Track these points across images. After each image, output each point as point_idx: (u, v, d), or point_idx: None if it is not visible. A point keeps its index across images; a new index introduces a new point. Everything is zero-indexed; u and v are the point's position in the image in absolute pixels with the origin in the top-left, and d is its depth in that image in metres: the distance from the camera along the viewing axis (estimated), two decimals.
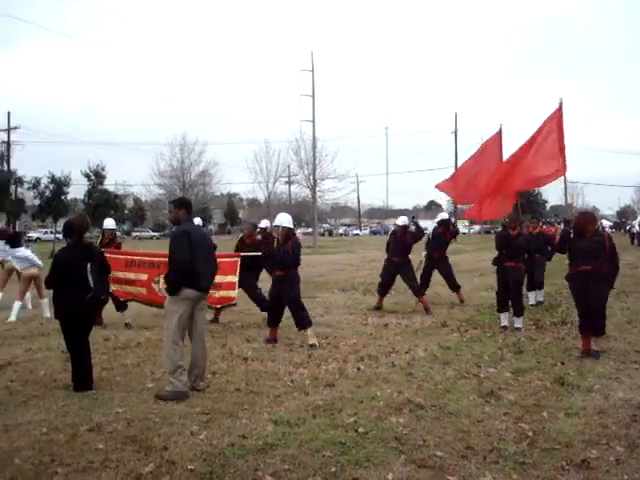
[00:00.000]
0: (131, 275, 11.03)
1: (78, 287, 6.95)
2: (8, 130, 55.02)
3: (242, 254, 11.45)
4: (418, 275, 13.63)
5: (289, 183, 66.27)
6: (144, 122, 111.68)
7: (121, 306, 11.17)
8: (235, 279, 11.02)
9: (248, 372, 7.82)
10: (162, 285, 10.96)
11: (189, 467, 4.83)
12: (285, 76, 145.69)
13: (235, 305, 11.33)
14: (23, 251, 12.57)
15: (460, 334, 10.25)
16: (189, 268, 6.73)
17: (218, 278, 9.94)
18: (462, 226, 78.07)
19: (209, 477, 4.68)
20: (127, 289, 11.01)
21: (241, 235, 13.14)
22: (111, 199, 61.02)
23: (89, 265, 7.05)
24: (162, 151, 66.10)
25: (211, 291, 10.35)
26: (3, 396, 6.86)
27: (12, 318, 11.94)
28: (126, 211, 71.48)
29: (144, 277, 11.12)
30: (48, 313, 12.02)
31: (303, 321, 9.54)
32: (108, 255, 9.70)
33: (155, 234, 78.82)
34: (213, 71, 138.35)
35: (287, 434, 5.51)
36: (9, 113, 55.38)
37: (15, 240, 12.79)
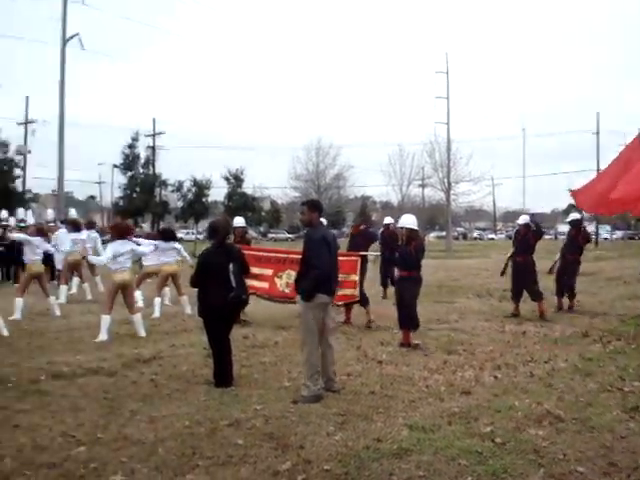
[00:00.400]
0: (256, 270, 11.13)
1: (221, 286, 7.19)
2: (153, 135, 57.87)
3: (362, 253, 11.63)
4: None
5: (423, 186, 65.82)
6: (282, 126, 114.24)
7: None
8: (357, 278, 11.31)
9: (382, 375, 7.82)
10: (285, 280, 11.31)
11: (325, 467, 4.89)
12: (419, 78, 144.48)
13: (357, 302, 11.55)
14: (177, 244, 13.34)
15: (602, 345, 9.81)
16: (328, 275, 6.85)
17: (341, 277, 10.20)
18: (604, 232, 74.80)
19: (344, 478, 4.73)
20: (251, 283, 11.11)
21: (351, 229, 13.43)
22: (249, 201, 62.86)
23: (231, 265, 7.29)
24: (298, 155, 66.98)
25: None
26: (149, 389, 7.22)
27: (156, 314, 12.51)
28: (263, 213, 73.31)
29: (269, 272, 11.50)
30: (189, 310, 12.53)
31: (410, 322, 9.60)
32: (246, 252, 10.08)
33: (290, 236, 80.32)
34: (348, 74, 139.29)
35: (422, 440, 5.47)
36: (154, 119, 58.33)
37: (171, 235, 13.54)
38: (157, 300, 12.83)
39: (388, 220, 15.66)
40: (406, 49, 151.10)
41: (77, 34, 34.14)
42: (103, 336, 10.05)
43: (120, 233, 10.45)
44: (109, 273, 10.37)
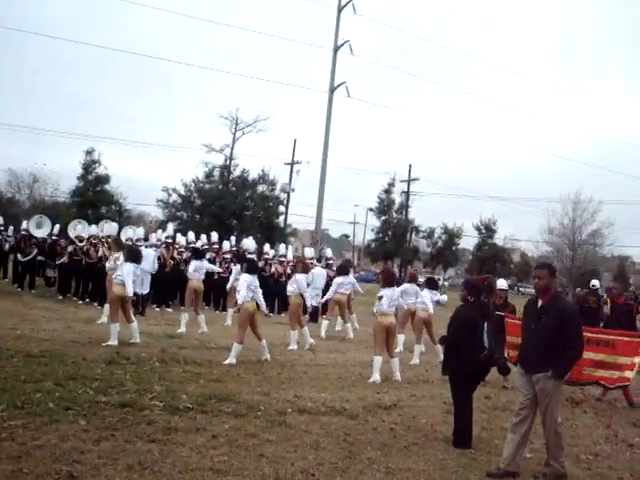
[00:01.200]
0: None
1: (473, 345, 7.12)
2: (408, 182, 58.98)
3: None
4: None
5: None
6: (538, 177, 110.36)
7: (506, 370, 11.04)
8: (638, 360, 10.08)
9: (633, 460, 7.25)
10: None
11: None
12: None
13: (628, 385, 10.50)
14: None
15: None
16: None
17: (624, 360, 9.43)
18: None
19: None
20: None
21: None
22: (499, 253, 61.85)
23: (485, 324, 7.21)
24: (554, 208, 64.23)
25: (610, 372, 9.83)
26: (388, 438, 7.29)
27: (415, 361, 13.01)
28: (512, 265, 71.65)
29: None
30: (440, 359, 12.60)
31: None
32: (510, 321, 9.90)
33: None
34: (606, 121, 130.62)
35: None
36: (410, 166, 59.48)
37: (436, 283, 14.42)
38: (417, 347, 13.31)
39: None
40: None
41: (344, 82, 36.39)
42: (375, 377, 10.46)
43: (390, 281, 11.06)
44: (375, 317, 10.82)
